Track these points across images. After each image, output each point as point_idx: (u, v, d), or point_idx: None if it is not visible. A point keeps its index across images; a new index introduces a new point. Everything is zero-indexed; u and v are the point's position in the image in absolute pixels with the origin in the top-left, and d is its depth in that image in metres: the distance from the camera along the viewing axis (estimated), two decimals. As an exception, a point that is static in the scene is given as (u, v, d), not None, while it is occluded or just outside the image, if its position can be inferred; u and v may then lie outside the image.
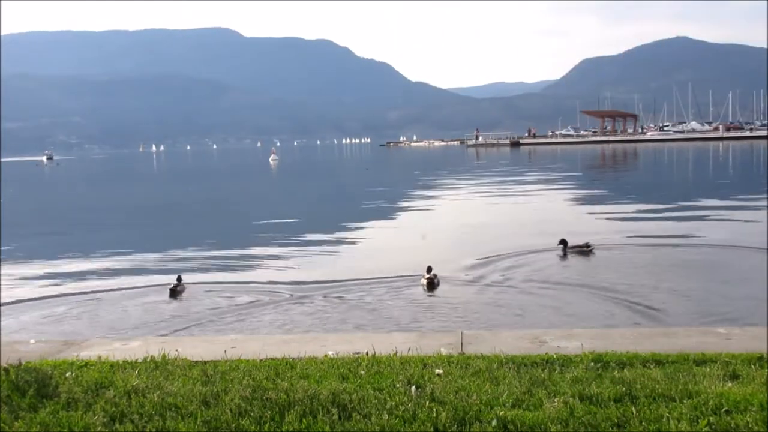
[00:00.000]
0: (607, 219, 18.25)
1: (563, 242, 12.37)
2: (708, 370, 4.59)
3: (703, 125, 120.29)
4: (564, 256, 12.10)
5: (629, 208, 20.38)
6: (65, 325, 8.92)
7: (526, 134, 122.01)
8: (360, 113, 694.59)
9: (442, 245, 14.88)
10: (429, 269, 10.24)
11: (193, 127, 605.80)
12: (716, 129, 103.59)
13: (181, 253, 14.62)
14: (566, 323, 7.90)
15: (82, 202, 34.86)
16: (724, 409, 3.77)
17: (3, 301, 10.17)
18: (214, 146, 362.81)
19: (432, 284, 10.06)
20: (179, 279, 10.70)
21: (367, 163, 73.04)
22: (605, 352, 5.05)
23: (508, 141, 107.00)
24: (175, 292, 10.36)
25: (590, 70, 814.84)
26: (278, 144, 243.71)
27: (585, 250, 12.19)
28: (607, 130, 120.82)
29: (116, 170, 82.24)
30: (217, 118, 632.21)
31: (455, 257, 12.38)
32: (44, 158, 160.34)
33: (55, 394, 4.27)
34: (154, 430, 3.74)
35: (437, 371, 4.67)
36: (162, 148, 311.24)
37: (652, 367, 4.70)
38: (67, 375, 4.75)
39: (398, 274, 10.98)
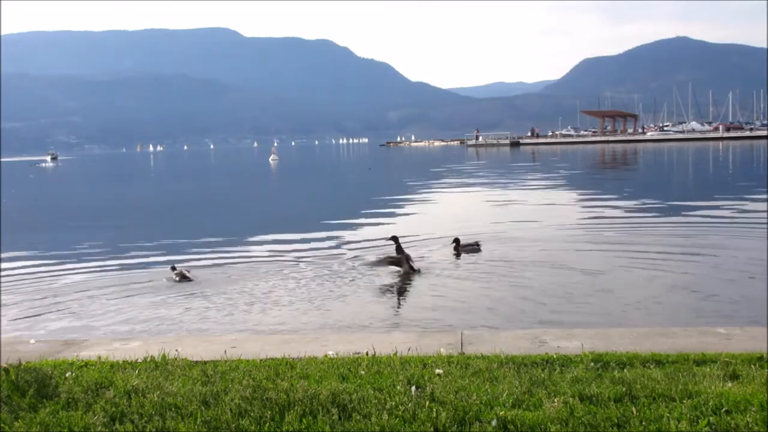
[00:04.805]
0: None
1: (456, 241, 12.86)
2: (708, 370, 4.59)
3: (703, 125, 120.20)
4: (456, 253, 12.59)
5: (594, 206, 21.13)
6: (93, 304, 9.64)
7: (529, 134, 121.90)
8: (360, 113, 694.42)
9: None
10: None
11: (193, 126, 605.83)
12: (716, 129, 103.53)
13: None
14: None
15: (82, 200, 34.91)
16: (724, 409, 3.76)
17: (3, 298, 10.15)
18: (212, 146, 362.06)
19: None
20: (173, 269, 10.90)
21: (368, 163, 73.05)
22: (605, 352, 5.05)
23: (508, 141, 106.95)
24: (183, 277, 10.69)
25: (590, 70, 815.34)
26: (276, 144, 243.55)
27: (474, 247, 12.80)
28: (607, 130, 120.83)
29: (111, 171, 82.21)
30: (216, 118, 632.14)
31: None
32: (48, 158, 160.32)
33: (55, 394, 4.26)
34: (154, 430, 3.74)
35: (437, 371, 4.67)
36: (160, 148, 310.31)
37: (652, 367, 4.70)
38: (67, 375, 4.75)
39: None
